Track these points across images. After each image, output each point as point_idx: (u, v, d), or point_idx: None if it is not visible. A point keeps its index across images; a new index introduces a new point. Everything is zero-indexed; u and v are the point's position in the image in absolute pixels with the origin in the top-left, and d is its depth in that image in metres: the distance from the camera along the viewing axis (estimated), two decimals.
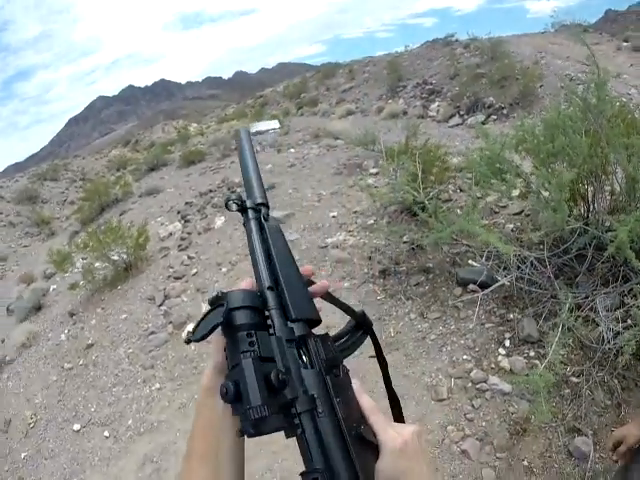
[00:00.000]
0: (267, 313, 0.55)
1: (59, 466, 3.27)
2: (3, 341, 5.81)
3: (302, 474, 0.46)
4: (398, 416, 0.73)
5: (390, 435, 0.52)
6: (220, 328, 0.53)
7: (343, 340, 0.69)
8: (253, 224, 0.65)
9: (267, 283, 0.58)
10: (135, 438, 3.21)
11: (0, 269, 10.71)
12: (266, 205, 0.70)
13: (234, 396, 0.46)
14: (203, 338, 0.53)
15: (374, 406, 0.55)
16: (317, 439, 0.47)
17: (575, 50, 13.27)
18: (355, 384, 0.57)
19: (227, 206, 0.66)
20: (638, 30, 18.83)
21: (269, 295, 0.57)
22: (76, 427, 3.55)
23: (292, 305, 0.56)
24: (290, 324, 0.55)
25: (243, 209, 0.66)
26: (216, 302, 0.53)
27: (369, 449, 0.51)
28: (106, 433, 3.36)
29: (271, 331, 0.54)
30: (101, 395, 3.78)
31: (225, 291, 0.54)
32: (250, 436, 0.46)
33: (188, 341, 0.54)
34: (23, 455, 3.53)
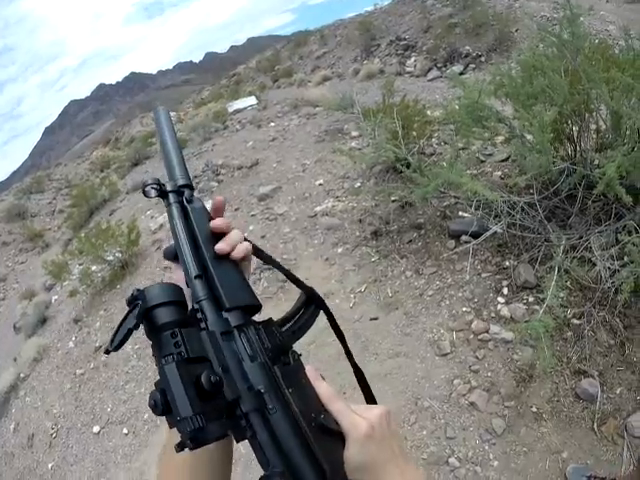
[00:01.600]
0: (197, 306, 0.50)
1: (85, 470, 3.36)
2: (15, 359, 5.84)
3: (261, 478, 0.42)
4: (368, 397, 0.66)
5: (354, 421, 0.48)
6: (144, 331, 0.47)
7: (293, 321, 0.60)
8: (175, 209, 0.58)
9: (194, 272, 0.52)
10: (153, 430, 3.27)
11: (1, 289, 10.70)
12: (189, 186, 0.63)
13: (163, 408, 0.41)
14: (120, 345, 0.47)
15: (332, 392, 0.51)
16: (271, 439, 0.43)
17: None
18: (309, 370, 0.52)
19: (145, 193, 0.57)
20: None
21: (197, 284, 0.52)
22: (96, 429, 3.63)
23: (224, 292, 0.51)
24: (225, 314, 0.50)
25: (163, 193, 0.58)
26: (133, 302, 0.47)
27: (334, 438, 0.47)
28: (125, 430, 3.43)
29: (203, 325, 0.49)
30: (115, 394, 3.83)
31: (141, 288, 0.48)
32: (192, 449, 0.41)
33: (107, 352, 0.48)
34: (50, 465, 3.62)
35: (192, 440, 0.40)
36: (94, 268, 5.71)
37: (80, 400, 4.08)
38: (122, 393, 3.79)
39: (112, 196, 10.53)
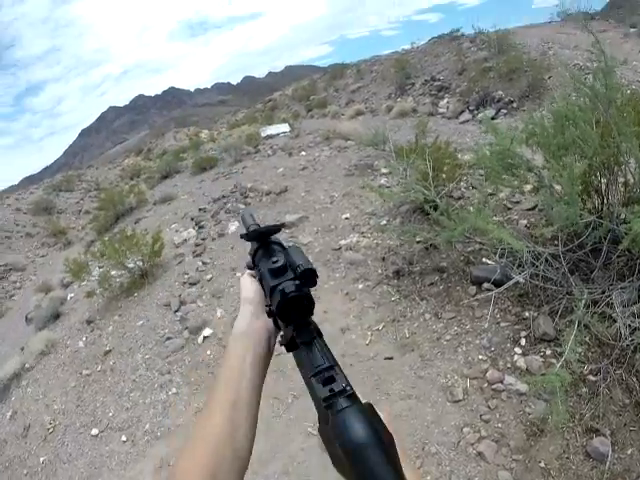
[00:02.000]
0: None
1: (77, 470, 3.33)
2: (22, 349, 5.91)
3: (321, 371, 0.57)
4: None
5: None
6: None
7: None
8: None
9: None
10: (152, 442, 3.25)
11: (19, 279, 10.92)
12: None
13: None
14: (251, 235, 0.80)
15: None
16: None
17: (583, 39, 13.02)
18: None
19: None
20: None
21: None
22: (94, 432, 3.61)
23: None
24: None
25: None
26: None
27: None
28: (123, 437, 3.41)
29: None
30: (119, 400, 3.83)
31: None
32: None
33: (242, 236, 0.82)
34: (42, 459, 3.61)
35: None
36: (114, 273, 5.79)
37: (82, 400, 4.08)
38: (126, 400, 3.78)
39: (139, 205, 10.76)
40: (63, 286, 7.82)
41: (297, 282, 0.65)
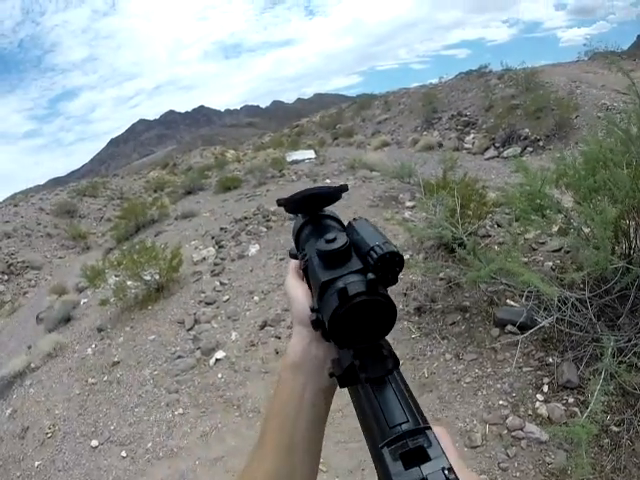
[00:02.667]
0: None
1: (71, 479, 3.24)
2: (30, 348, 5.92)
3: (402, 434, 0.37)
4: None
5: None
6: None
7: None
8: None
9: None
10: (153, 462, 3.15)
11: (34, 277, 11.07)
12: None
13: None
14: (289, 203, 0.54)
15: None
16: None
17: (610, 78, 13.01)
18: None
19: None
20: None
21: None
22: (94, 443, 3.53)
23: None
24: None
25: None
26: None
27: None
28: (123, 453, 3.32)
29: None
30: (122, 414, 3.75)
31: None
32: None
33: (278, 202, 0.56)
34: (37, 464, 3.55)
35: None
36: (129, 283, 5.80)
37: (85, 409, 4.02)
38: (130, 415, 3.70)
39: (160, 218, 10.90)
40: (77, 290, 7.88)
41: (369, 276, 0.42)
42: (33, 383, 4.76)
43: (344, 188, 0.58)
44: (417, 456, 0.34)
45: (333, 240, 0.47)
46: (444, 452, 0.35)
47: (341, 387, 0.48)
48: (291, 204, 0.57)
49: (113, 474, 3.18)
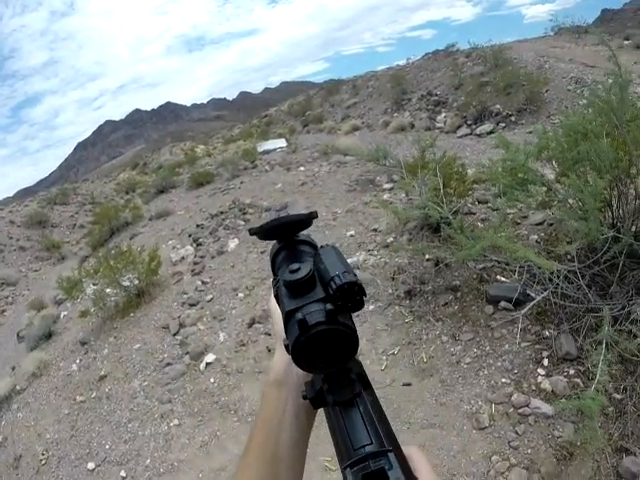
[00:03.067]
0: None
1: None
2: (14, 369, 5.68)
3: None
4: None
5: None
6: None
7: None
8: None
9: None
10: (154, 479, 3.02)
11: (11, 294, 10.67)
12: None
13: None
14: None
15: None
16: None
17: (577, 52, 13.20)
18: None
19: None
20: (636, 27, 18.79)
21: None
22: (90, 466, 3.38)
23: None
24: None
25: None
26: None
27: None
28: (123, 473, 3.18)
29: None
30: (116, 431, 3.60)
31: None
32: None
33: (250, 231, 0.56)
34: None
35: None
36: (108, 291, 5.59)
37: (77, 430, 3.85)
38: (124, 431, 3.55)
39: (134, 220, 10.60)
40: (56, 303, 7.60)
41: (329, 306, 0.43)
42: (20, 407, 4.55)
43: (314, 215, 0.58)
44: (378, 478, 0.36)
45: (297, 270, 0.48)
46: (405, 474, 0.36)
47: (315, 408, 0.51)
48: (264, 233, 0.57)
49: None
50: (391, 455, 0.37)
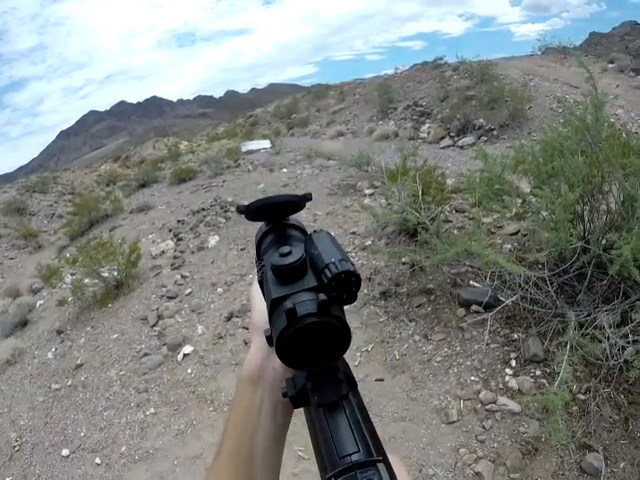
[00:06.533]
0: None
1: None
2: None
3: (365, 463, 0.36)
4: None
5: None
6: None
7: None
8: None
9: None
10: (129, 466, 3.05)
11: None
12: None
13: None
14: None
15: None
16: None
17: (562, 72, 13.60)
18: None
19: None
20: (622, 51, 19.49)
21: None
22: (65, 452, 3.38)
23: None
24: None
25: None
26: None
27: None
28: (97, 460, 3.20)
29: None
30: (91, 419, 3.61)
31: None
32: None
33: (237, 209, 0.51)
34: None
35: None
36: (87, 281, 5.56)
37: (51, 417, 3.83)
38: (99, 419, 3.57)
39: (114, 212, 10.48)
40: (32, 292, 7.48)
41: (322, 296, 0.39)
42: None
43: (308, 197, 0.55)
44: None
45: (288, 254, 0.44)
46: None
47: (294, 407, 0.46)
48: (252, 212, 0.53)
49: None
50: (380, 465, 0.34)
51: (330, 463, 0.35)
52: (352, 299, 0.41)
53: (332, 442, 0.37)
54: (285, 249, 0.45)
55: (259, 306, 0.54)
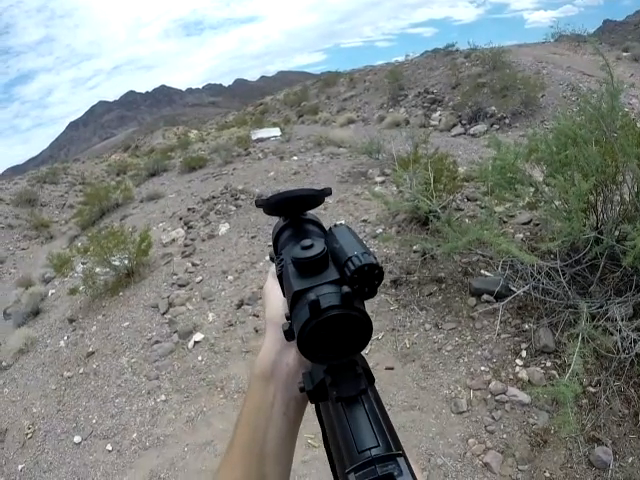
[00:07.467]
0: None
1: None
2: (0, 345, 5.68)
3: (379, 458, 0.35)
4: None
5: None
6: None
7: None
8: None
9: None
10: (140, 452, 3.08)
11: None
12: None
13: None
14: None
15: None
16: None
17: (576, 60, 13.34)
18: None
19: None
20: (636, 40, 19.02)
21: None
22: (77, 439, 3.42)
23: None
24: None
25: None
26: None
27: None
28: (109, 447, 3.23)
29: None
30: (103, 406, 3.65)
31: None
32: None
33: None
34: (20, 467, 3.39)
35: None
36: (98, 270, 5.60)
37: (63, 404, 3.88)
38: (111, 406, 3.60)
39: (125, 202, 10.56)
40: (44, 281, 7.57)
41: (344, 289, 0.39)
42: (7, 382, 4.56)
43: (327, 191, 0.54)
44: None
45: (310, 247, 0.44)
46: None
47: (312, 403, 0.46)
48: (270, 206, 0.53)
49: (101, 469, 3.09)
50: (400, 460, 0.34)
51: (349, 457, 0.35)
52: (373, 293, 0.41)
53: (351, 437, 0.36)
54: (307, 242, 0.45)
55: (274, 301, 0.54)
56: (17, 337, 5.25)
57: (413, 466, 0.35)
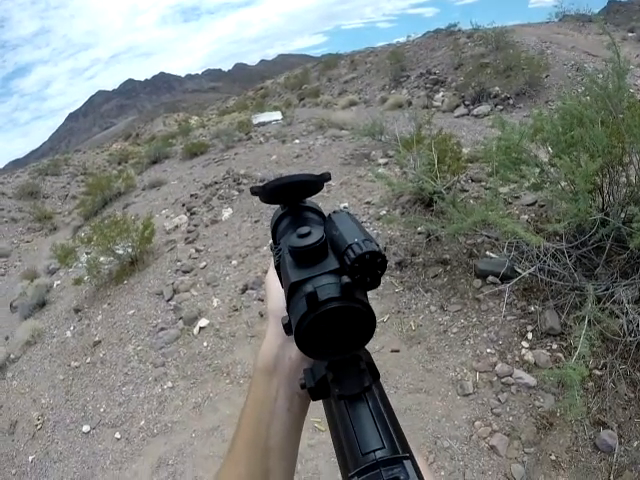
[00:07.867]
0: None
1: (69, 470, 3.16)
2: (7, 338, 5.72)
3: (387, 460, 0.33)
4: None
5: None
6: None
7: None
8: None
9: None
10: (148, 440, 3.11)
11: (3, 265, 10.61)
12: None
13: None
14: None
15: None
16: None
17: (580, 40, 13.07)
18: None
19: None
20: None
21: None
22: (85, 429, 3.45)
23: None
24: None
25: None
26: None
27: None
28: (117, 435, 3.26)
29: None
30: (110, 394, 3.68)
31: None
32: None
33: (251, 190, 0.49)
34: (30, 458, 3.43)
35: None
36: (102, 259, 5.61)
37: (71, 394, 3.91)
38: (118, 394, 3.63)
39: (127, 190, 10.54)
40: (49, 273, 7.60)
41: (345, 279, 0.36)
42: (15, 374, 4.60)
43: (326, 176, 0.51)
44: None
45: (307, 235, 0.41)
46: None
47: (313, 400, 0.44)
48: (266, 193, 0.49)
49: (110, 458, 3.12)
50: (407, 463, 0.31)
51: (352, 460, 0.33)
52: (376, 283, 0.37)
53: (354, 438, 0.34)
54: (304, 229, 0.42)
55: (275, 293, 0.53)
56: (24, 329, 5.28)
57: (421, 465, 0.32)
